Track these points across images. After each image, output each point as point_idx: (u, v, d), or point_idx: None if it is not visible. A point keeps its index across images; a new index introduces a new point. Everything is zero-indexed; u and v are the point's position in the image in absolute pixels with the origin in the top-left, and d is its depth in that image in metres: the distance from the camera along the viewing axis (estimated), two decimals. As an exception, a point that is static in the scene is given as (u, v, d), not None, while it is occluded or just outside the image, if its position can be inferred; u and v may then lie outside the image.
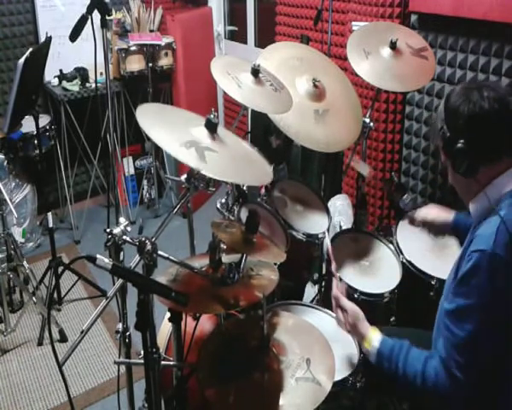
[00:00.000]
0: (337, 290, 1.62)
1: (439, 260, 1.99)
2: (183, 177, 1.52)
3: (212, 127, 1.39)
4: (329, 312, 1.83)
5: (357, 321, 1.53)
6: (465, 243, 1.42)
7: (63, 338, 2.82)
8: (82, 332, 1.33)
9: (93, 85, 3.63)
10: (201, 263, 1.62)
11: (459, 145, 1.32)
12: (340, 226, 2.44)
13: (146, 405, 1.84)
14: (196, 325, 1.66)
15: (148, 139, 4.13)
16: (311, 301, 2.29)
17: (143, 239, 1.31)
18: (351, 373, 1.59)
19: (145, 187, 4.28)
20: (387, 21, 2.57)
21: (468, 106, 1.31)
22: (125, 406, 1.62)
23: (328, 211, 2.24)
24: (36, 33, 3.76)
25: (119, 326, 1.50)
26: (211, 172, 1.28)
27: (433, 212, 1.93)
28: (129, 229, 1.35)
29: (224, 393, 1.41)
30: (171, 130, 1.38)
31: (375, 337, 1.47)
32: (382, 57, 2.10)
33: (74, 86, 3.64)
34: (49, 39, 2.75)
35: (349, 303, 1.57)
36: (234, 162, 1.40)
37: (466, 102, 1.31)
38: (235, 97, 1.68)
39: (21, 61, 2.39)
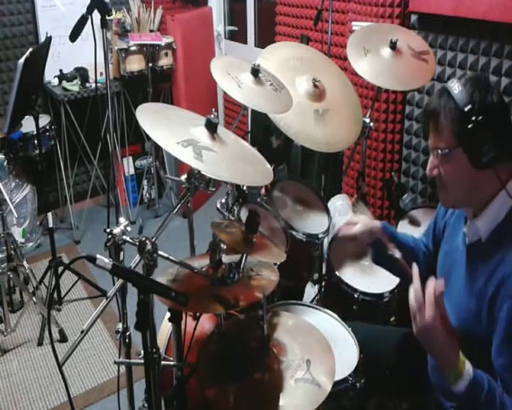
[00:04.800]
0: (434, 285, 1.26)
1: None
2: (183, 177, 1.52)
3: (211, 127, 1.40)
4: (329, 312, 1.83)
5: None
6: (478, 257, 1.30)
7: (63, 338, 2.82)
8: (82, 332, 1.33)
9: (93, 85, 3.63)
10: (201, 263, 1.62)
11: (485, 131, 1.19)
12: (340, 226, 2.44)
13: (146, 405, 1.84)
14: (196, 325, 1.66)
15: (148, 139, 4.13)
16: (311, 301, 2.29)
17: (143, 239, 1.31)
18: (351, 373, 1.59)
19: (145, 187, 4.27)
20: (387, 21, 2.57)
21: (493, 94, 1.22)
22: (125, 406, 1.62)
23: (328, 211, 2.24)
24: (36, 33, 3.76)
25: (119, 326, 1.50)
26: (208, 171, 1.29)
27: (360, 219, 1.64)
28: (129, 229, 1.35)
29: (223, 393, 1.41)
30: (171, 129, 1.38)
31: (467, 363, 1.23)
32: (381, 56, 2.09)
33: (74, 86, 3.64)
34: (49, 39, 2.75)
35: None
36: (233, 162, 1.40)
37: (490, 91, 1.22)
38: (235, 97, 1.68)
39: (21, 61, 2.39)
